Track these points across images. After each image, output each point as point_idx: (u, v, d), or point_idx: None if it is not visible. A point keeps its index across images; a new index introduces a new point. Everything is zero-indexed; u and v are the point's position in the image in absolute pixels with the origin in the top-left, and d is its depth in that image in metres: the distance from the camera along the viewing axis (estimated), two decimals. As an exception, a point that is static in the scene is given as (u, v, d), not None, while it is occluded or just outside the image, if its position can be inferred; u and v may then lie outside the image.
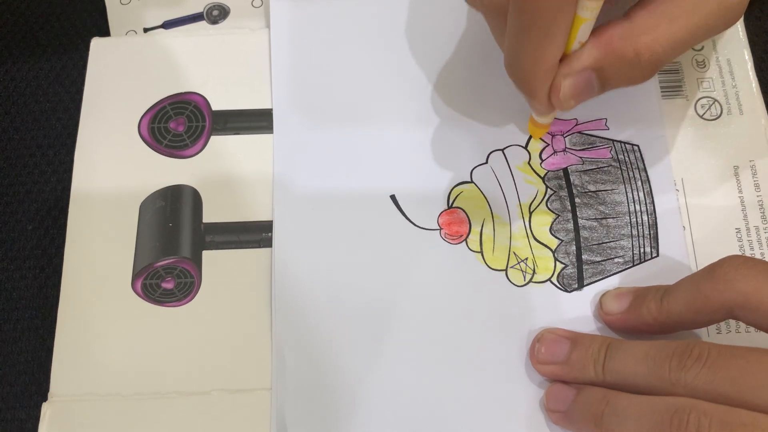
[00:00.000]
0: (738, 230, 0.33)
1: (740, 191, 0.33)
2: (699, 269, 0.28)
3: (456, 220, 0.33)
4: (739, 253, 0.32)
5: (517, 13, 0.26)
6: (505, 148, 0.34)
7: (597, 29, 0.27)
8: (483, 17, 0.30)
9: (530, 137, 0.34)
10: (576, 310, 0.31)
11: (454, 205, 0.33)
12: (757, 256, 0.32)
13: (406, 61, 0.36)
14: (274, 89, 0.35)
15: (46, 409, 0.30)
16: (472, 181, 0.34)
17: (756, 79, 0.35)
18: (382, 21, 0.37)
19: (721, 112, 0.35)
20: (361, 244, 0.32)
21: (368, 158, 0.34)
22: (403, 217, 0.33)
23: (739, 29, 0.36)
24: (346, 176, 0.34)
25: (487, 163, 0.34)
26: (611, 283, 0.32)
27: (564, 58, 0.28)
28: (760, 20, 0.38)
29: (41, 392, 0.31)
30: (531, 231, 0.33)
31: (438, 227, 0.33)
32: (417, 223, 0.33)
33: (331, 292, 0.32)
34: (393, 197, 0.33)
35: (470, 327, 0.31)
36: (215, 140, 0.35)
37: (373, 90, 0.35)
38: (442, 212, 0.33)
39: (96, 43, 0.37)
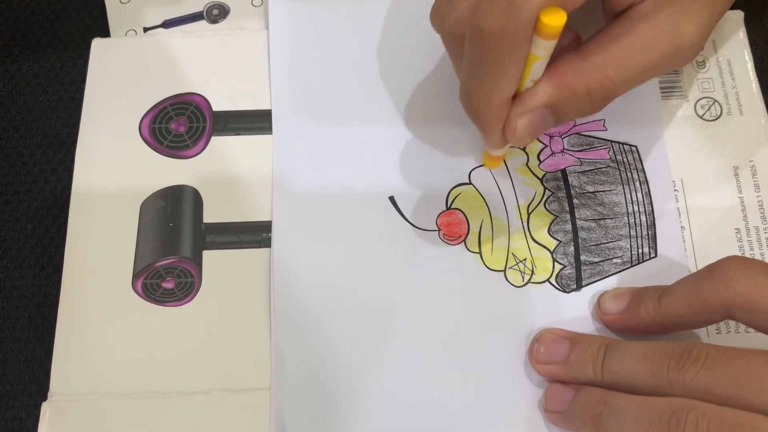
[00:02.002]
0: (738, 231, 0.33)
1: (740, 192, 0.33)
2: (698, 270, 0.28)
3: (455, 221, 0.33)
4: (739, 254, 0.32)
5: (472, 46, 0.26)
6: (504, 149, 0.34)
7: (549, 64, 0.27)
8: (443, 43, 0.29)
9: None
10: (574, 311, 0.31)
11: (452, 206, 0.33)
12: (757, 256, 0.32)
13: (405, 61, 0.36)
14: (273, 89, 0.35)
15: (45, 408, 0.30)
16: (470, 183, 0.34)
17: (756, 79, 0.35)
18: (381, 21, 0.36)
19: (721, 113, 0.35)
20: (360, 244, 0.32)
21: (367, 159, 0.34)
22: (402, 218, 0.33)
23: (739, 29, 0.36)
24: (345, 177, 0.34)
25: (484, 164, 0.34)
26: (610, 283, 0.32)
27: (517, 95, 0.27)
28: (760, 20, 0.38)
29: (41, 391, 0.32)
30: (529, 232, 0.33)
31: (437, 228, 0.33)
32: (416, 224, 0.33)
33: (330, 293, 0.32)
34: (392, 198, 0.33)
35: (469, 327, 0.31)
36: (216, 141, 0.35)
37: (372, 91, 0.35)
38: (440, 213, 0.33)
39: (97, 44, 0.37)
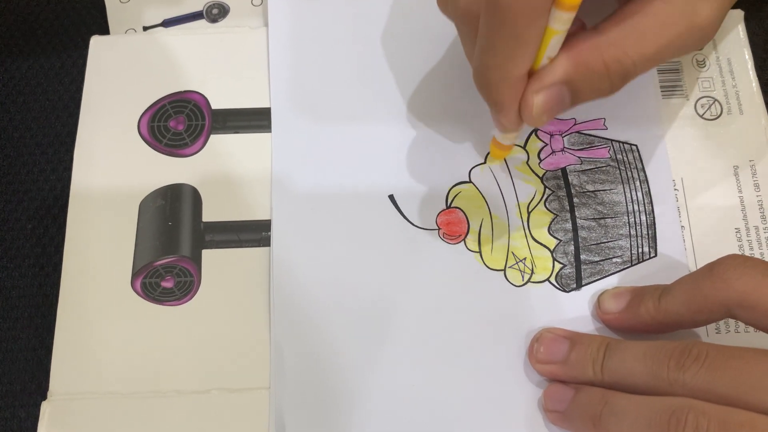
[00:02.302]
0: (738, 230, 0.33)
1: (740, 191, 0.33)
2: (698, 268, 0.28)
3: (454, 220, 0.33)
4: (739, 253, 0.32)
5: (489, 18, 0.25)
6: (504, 148, 0.34)
7: (565, 43, 0.27)
8: (455, 25, 0.29)
9: (529, 137, 0.34)
10: (574, 310, 0.31)
11: (452, 205, 0.33)
12: (757, 255, 0.32)
13: (404, 60, 0.36)
14: (272, 88, 0.35)
15: (45, 407, 0.30)
16: (470, 181, 0.34)
17: (756, 78, 0.35)
18: (380, 19, 0.36)
19: (721, 112, 0.35)
20: (360, 243, 0.32)
21: (366, 158, 0.34)
22: (402, 217, 0.33)
23: (739, 29, 0.36)
24: (345, 175, 0.34)
25: (485, 162, 0.34)
26: (609, 282, 0.32)
27: (533, 73, 0.27)
28: (760, 20, 0.38)
29: (41, 391, 0.32)
30: (529, 231, 0.33)
31: (436, 227, 0.33)
32: (415, 223, 0.33)
33: (329, 292, 0.32)
34: (391, 197, 0.33)
35: (469, 327, 0.31)
36: (215, 139, 0.35)
37: (372, 89, 0.35)
38: (440, 212, 0.33)
39: (95, 41, 0.37)
